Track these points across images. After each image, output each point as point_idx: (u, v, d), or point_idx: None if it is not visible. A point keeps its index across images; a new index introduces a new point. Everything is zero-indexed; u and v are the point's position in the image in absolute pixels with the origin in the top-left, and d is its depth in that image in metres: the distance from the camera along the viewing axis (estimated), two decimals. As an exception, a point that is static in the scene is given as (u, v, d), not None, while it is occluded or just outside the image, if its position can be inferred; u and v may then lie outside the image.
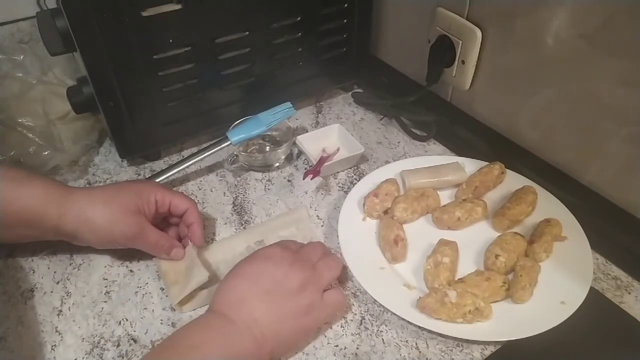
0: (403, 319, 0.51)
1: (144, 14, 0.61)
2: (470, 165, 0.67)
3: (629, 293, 0.55)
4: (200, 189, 0.70)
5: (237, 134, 0.68)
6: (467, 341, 0.50)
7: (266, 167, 0.72)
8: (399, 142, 0.78)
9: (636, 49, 0.51)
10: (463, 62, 0.69)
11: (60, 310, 0.54)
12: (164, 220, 0.60)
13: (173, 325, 0.53)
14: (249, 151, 0.74)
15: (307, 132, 0.77)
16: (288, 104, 0.71)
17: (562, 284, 0.53)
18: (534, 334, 0.48)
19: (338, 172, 0.72)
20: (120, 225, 0.53)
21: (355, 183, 0.67)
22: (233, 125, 0.71)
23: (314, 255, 0.52)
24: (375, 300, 0.53)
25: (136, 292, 0.56)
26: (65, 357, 0.50)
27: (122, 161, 0.73)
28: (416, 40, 0.77)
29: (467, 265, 0.56)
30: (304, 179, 0.67)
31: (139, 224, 0.54)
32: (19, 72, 0.69)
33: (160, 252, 0.56)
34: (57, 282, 0.57)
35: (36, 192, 0.53)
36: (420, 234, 0.61)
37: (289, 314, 0.47)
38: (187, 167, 0.68)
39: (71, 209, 0.53)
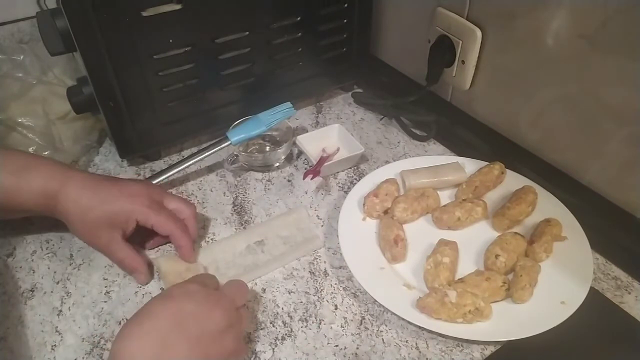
0: (403, 319, 0.51)
1: (144, 14, 0.61)
2: (470, 165, 0.67)
3: (629, 293, 0.55)
4: (200, 189, 0.70)
5: (237, 134, 0.68)
6: (467, 341, 0.50)
7: (266, 167, 0.72)
8: (399, 142, 0.78)
9: (636, 49, 0.51)
10: (463, 62, 0.69)
11: (60, 310, 0.54)
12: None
13: (173, 325, 0.53)
14: (249, 151, 0.74)
15: (307, 132, 0.77)
16: (288, 104, 0.71)
17: (562, 284, 0.53)
18: (534, 334, 0.48)
19: (338, 172, 0.72)
20: (91, 237, 0.56)
21: (355, 183, 0.67)
22: (233, 125, 0.71)
23: (235, 296, 0.49)
24: (375, 300, 0.53)
25: (136, 292, 0.56)
26: (65, 357, 0.50)
27: (122, 161, 0.73)
28: (416, 40, 0.77)
29: (467, 265, 0.56)
30: (304, 179, 0.67)
31: (109, 239, 0.55)
32: (19, 72, 0.69)
33: (124, 269, 0.57)
34: (57, 282, 0.57)
35: (37, 184, 0.54)
36: (420, 234, 0.61)
37: (214, 355, 0.43)
38: (187, 167, 0.68)
39: (61, 203, 0.54)
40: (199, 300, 0.45)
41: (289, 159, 0.74)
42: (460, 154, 0.73)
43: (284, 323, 0.53)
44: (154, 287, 0.56)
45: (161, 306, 0.44)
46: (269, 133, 0.72)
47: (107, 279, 0.58)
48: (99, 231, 0.55)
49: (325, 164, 0.68)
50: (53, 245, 0.61)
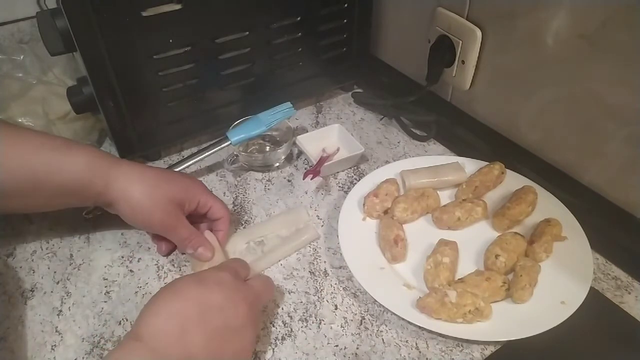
0: (403, 319, 0.51)
1: (144, 14, 0.61)
2: (470, 165, 0.67)
3: (629, 293, 0.55)
4: (200, 189, 0.70)
5: (237, 134, 0.68)
6: (467, 341, 0.50)
7: (266, 167, 0.72)
8: (399, 142, 0.78)
9: (636, 49, 0.51)
10: (463, 62, 0.69)
11: (60, 310, 0.54)
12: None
13: (173, 325, 0.53)
14: (249, 151, 0.74)
15: (307, 132, 0.77)
16: (288, 104, 0.71)
17: (562, 284, 0.53)
18: (534, 334, 0.48)
19: (338, 172, 0.72)
20: (159, 212, 0.53)
21: (355, 183, 0.67)
22: (233, 125, 0.71)
23: (262, 293, 0.50)
24: (375, 300, 0.53)
25: (136, 292, 0.56)
26: (65, 357, 0.50)
27: (122, 161, 0.73)
28: (416, 40, 0.77)
29: (467, 265, 0.56)
30: (304, 179, 0.67)
31: (177, 216, 0.55)
32: (19, 72, 0.69)
33: (187, 247, 0.56)
34: (57, 282, 0.57)
35: (81, 161, 0.51)
36: (420, 234, 0.61)
37: (227, 353, 0.44)
38: (187, 167, 0.68)
39: (117, 181, 0.52)
40: (228, 293, 0.45)
41: (289, 159, 0.74)
42: (460, 154, 0.73)
43: (284, 323, 0.53)
44: (153, 287, 0.56)
45: (192, 290, 0.44)
46: (269, 133, 0.72)
47: (107, 279, 0.57)
48: (167, 207, 0.53)
49: (325, 164, 0.68)
50: (53, 245, 0.61)
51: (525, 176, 0.65)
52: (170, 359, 0.40)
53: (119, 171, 0.53)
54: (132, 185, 0.53)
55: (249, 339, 0.46)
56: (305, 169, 0.72)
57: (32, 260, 0.60)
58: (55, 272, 0.58)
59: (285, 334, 0.52)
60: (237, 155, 0.72)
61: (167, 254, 0.60)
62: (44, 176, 0.50)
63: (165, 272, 0.58)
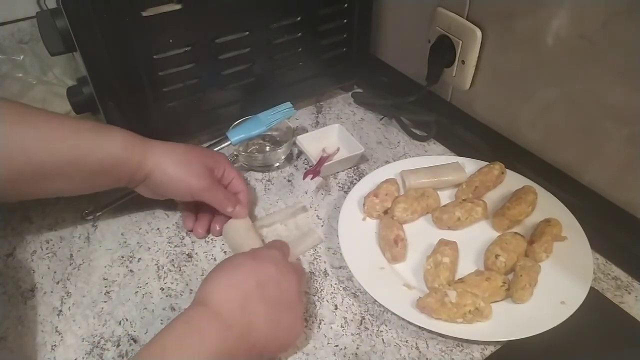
0: (403, 319, 0.51)
1: (144, 14, 0.61)
2: (470, 165, 0.67)
3: (629, 293, 0.55)
4: (200, 189, 0.70)
5: (237, 134, 0.68)
6: (467, 341, 0.50)
7: (266, 167, 0.72)
8: (399, 142, 0.78)
9: (636, 49, 0.51)
10: (463, 62, 0.69)
11: (60, 310, 0.54)
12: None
13: (173, 325, 0.53)
14: (249, 151, 0.74)
15: (307, 132, 0.77)
16: (288, 104, 0.71)
17: (562, 284, 0.53)
18: (534, 334, 0.48)
19: (338, 172, 0.72)
20: (195, 176, 0.57)
21: (355, 183, 0.67)
22: (233, 125, 0.71)
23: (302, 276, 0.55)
24: (375, 300, 0.53)
25: (136, 292, 0.56)
26: (65, 357, 0.50)
27: (122, 161, 0.73)
28: (416, 40, 0.77)
29: (467, 265, 0.56)
30: (304, 179, 0.67)
31: (212, 179, 0.59)
32: (19, 72, 0.70)
33: (227, 205, 0.59)
34: (57, 282, 0.57)
35: (117, 140, 0.55)
36: (420, 234, 0.61)
37: (282, 324, 0.47)
38: (187, 167, 0.68)
39: (152, 155, 0.56)
40: (281, 268, 0.48)
41: (289, 159, 0.74)
42: (460, 154, 0.73)
43: (284, 323, 0.53)
44: (153, 287, 0.56)
45: (248, 263, 0.47)
46: (269, 133, 0.72)
47: (107, 279, 0.57)
48: (201, 172, 0.58)
49: (325, 164, 0.68)
50: (53, 245, 0.61)
51: (525, 176, 0.65)
52: (234, 325, 0.43)
53: (153, 147, 0.56)
54: (167, 157, 0.57)
55: (299, 313, 0.49)
56: (305, 169, 0.72)
57: (32, 260, 0.60)
58: (55, 272, 0.58)
59: (285, 334, 0.52)
60: (237, 155, 0.72)
61: (204, 234, 0.62)
62: (83, 155, 0.53)
63: (165, 272, 0.58)
